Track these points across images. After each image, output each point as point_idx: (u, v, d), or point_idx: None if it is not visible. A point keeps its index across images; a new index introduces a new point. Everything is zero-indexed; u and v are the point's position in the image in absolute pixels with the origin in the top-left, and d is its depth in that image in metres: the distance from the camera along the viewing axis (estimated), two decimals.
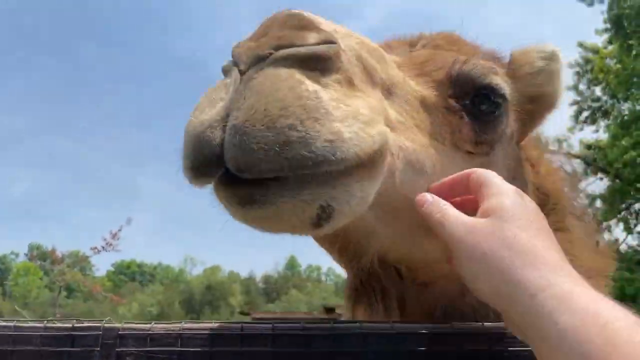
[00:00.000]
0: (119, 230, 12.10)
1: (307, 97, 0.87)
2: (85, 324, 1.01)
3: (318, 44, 0.95)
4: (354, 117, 0.92)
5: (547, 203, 1.58)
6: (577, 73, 17.72)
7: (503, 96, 1.40)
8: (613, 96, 17.41)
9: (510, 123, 1.47)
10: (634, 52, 16.17)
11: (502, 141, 1.44)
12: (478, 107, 1.38)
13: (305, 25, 0.98)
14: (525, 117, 1.57)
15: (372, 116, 0.98)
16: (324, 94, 0.90)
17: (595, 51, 17.27)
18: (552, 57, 1.57)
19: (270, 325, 0.99)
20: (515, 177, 1.50)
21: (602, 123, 18.16)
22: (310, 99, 0.87)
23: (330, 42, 0.97)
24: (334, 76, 0.96)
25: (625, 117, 16.90)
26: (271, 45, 0.93)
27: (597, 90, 17.89)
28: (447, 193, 1.08)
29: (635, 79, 16.44)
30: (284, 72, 0.89)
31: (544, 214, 1.12)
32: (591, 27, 17.31)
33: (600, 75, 17.14)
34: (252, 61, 0.93)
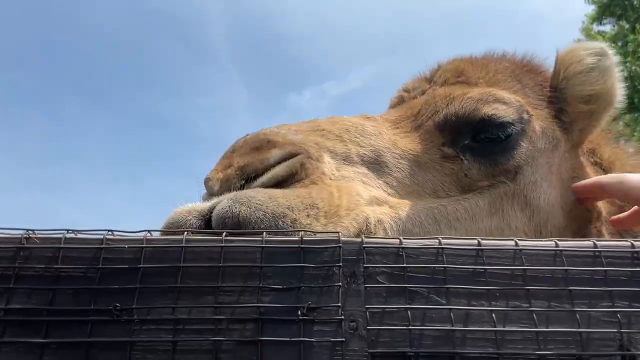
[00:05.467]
0: None
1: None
2: (319, 237, 0.82)
3: (282, 159, 1.12)
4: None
5: (624, 209, 1.48)
6: None
7: (505, 123, 1.35)
8: None
9: (537, 137, 1.41)
10: None
11: (536, 158, 1.40)
12: (482, 142, 1.34)
13: (264, 145, 1.14)
14: (583, 120, 1.52)
15: (345, 204, 1.09)
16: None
17: None
18: (602, 53, 1.50)
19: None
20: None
21: None
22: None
23: (292, 154, 1.13)
24: (305, 181, 1.11)
25: None
26: (238, 176, 1.10)
27: None
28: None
29: None
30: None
31: None
32: None
33: None
34: (223, 193, 1.09)
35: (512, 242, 0.82)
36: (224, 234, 0.80)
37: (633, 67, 15.56)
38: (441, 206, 1.27)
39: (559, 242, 0.82)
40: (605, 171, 1.60)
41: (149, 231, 0.81)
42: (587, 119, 1.54)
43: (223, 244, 0.79)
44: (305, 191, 1.08)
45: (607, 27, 17.74)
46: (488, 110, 1.35)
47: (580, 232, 1.44)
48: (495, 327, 0.75)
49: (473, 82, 1.51)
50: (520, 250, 0.81)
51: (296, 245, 0.80)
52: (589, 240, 0.83)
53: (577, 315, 0.76)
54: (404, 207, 1.22)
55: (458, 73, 1.56)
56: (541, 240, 0.83)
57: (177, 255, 0.78)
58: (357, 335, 0.74)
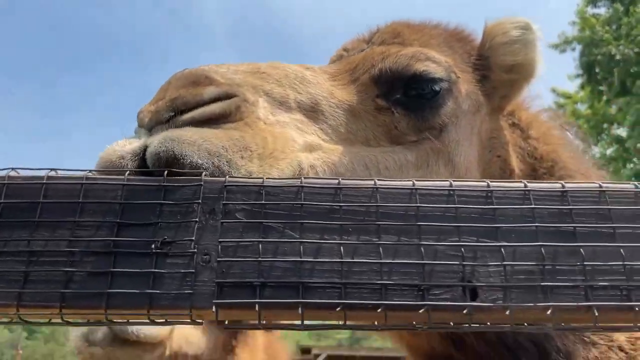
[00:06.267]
0: None
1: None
2: (182, 177, 0.84)
3: (215, 98, 1.08)
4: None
5: (539, 167, 1.59)
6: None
7: (435, 79, 1.40)
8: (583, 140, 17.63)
9: (462, 99, 1.47)
10: (604, 98, 16.57)
11: (460, 118, 1.46)
12: (412, 98, 1.39)
13: (201, 81, 1.10)
14: (504, 87, 1.59)
15: (280, 148, 1.10)
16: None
17: (568, 97, 17.62)
18: (526, 27, 1.56)
19: None
20: (492, 147, 1.55)
21: None
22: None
23: (229, 95, 1.10)
24: (239, 123, 1.09)
25: (599, 159, 17.10)
26: (167, 108, 1.05)
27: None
28: None
29: (605, 125, 16.74)
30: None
31: (537, 179, 1.46)
32: (564, 72, 17.74)
33: (572, 120, 17.40)
34: (153, 125, 1.05)
35: (372, 182, 0.84)
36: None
37: (626, 50, 15.49)
38: (372, 155, 1.30)
39: (416, 182, 0.84)
40: (523, 131, 1.65)
41: (13, 169, 0.82)
42: (508, 87, 1.60)
43: (84, 182, 0.81)
44: (239, 134, 1.06)
45: (602, 10, 17.62)
46: (420, 66, 1.39)
47: None
48: (342, 259, 0.78)
49: (408, 43, 1.55)
50: (377, 189, 0.83)
51: (157, 183, 0.82)
52: (447, 180, 0.85)
53: (422, 249, 0.78)
54: (337, 153, 1.24)
55: (395, 35, 1.59)
56: (399, 180, 0.85)
57: (38, 192, 0.80)
58: (209, 268, 0.77)
